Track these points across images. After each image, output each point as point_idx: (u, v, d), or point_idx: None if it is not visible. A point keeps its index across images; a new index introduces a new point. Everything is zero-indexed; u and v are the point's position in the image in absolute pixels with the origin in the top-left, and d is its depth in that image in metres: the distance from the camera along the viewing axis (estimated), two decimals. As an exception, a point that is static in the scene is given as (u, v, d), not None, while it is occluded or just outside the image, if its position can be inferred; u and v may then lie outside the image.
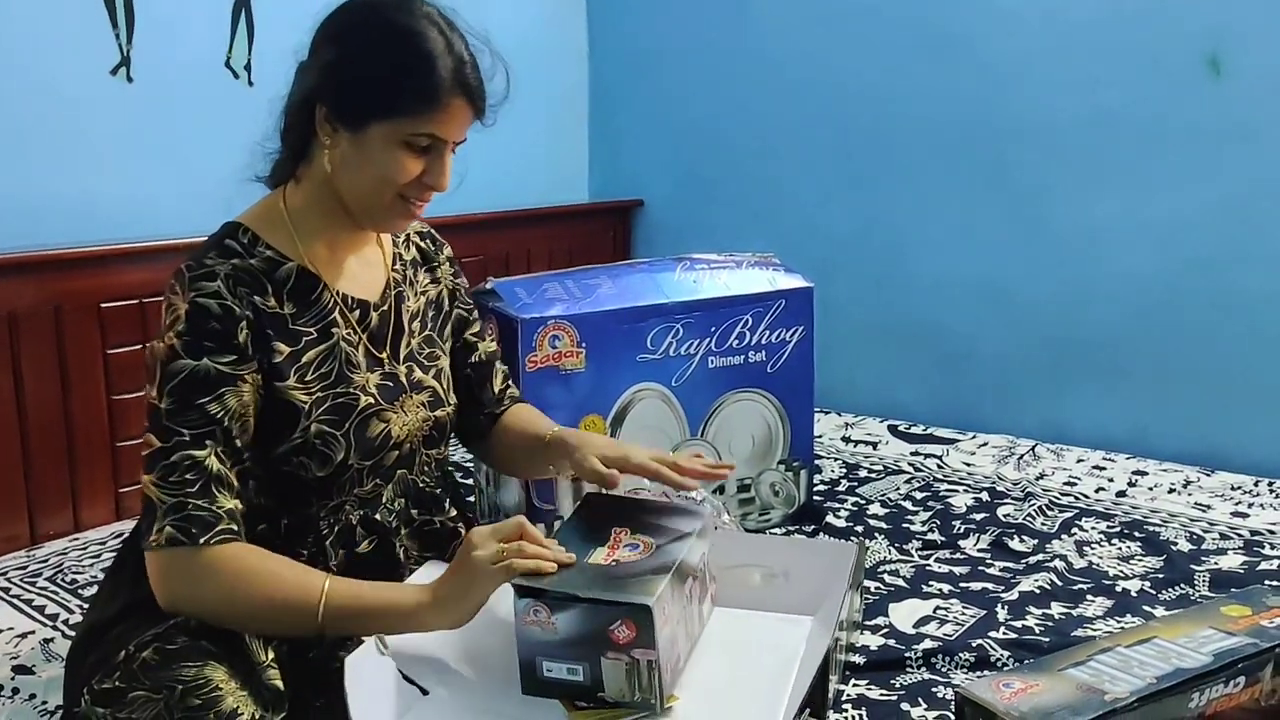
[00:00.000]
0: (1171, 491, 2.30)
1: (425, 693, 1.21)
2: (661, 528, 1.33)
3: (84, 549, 2.05)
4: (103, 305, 2.17)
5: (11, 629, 1.72)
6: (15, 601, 1.82)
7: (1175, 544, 2.02)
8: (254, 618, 1.22)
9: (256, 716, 1.15)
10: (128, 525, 2.13)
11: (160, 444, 1.21)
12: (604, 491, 1.45)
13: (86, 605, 1.76)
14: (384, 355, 1.39)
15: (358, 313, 1.36)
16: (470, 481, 2.13)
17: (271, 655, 1.23)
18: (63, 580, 1.91)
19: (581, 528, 1.34)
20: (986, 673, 1.53)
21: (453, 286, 1.56)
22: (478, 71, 1.29)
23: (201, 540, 1.19)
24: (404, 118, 1.25)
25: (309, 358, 1.30)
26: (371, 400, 1.34)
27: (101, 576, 1.87)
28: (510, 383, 1.65)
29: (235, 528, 1.22)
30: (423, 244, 1.54)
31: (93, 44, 2.22)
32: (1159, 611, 1.74)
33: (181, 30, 2.34)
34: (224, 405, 1.22)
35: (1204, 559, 1.95)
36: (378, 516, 1.39)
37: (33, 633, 1.71)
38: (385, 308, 1.40)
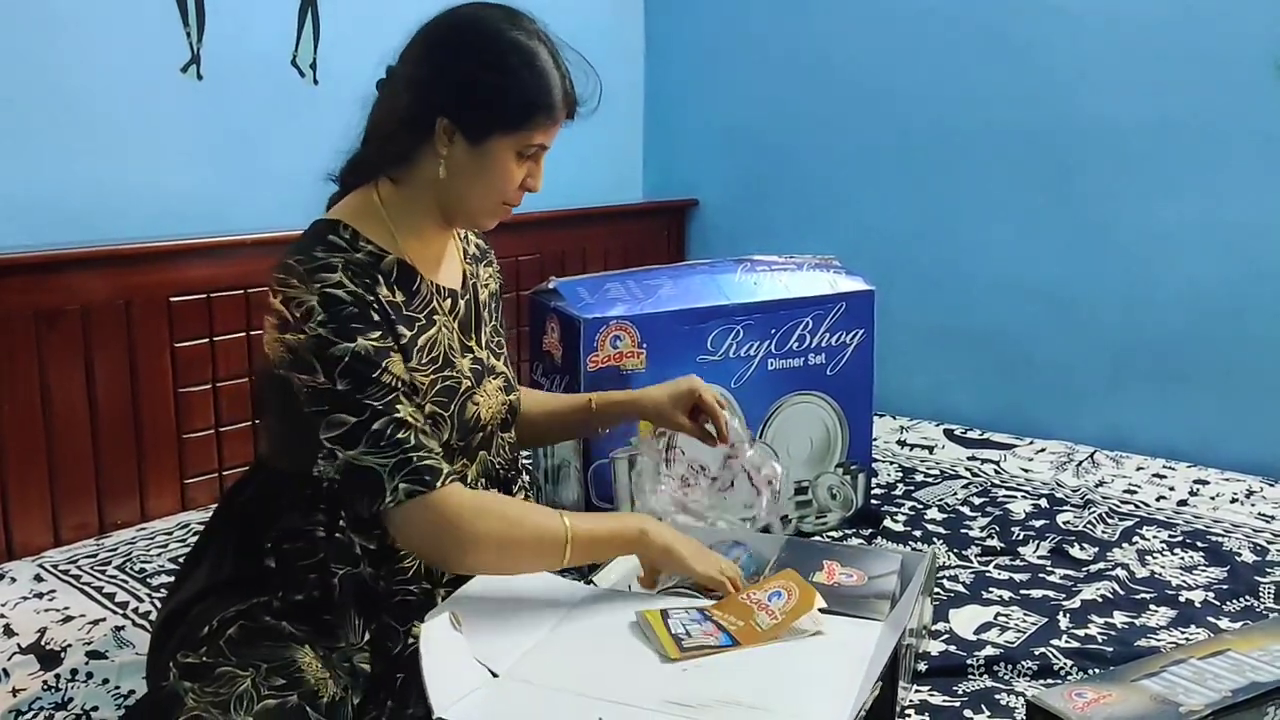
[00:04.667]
0: (1234, 501, 2.27)
1: (495, 675, 1.24)
2: (868, 565, 1.57)
3: (151, 539, 2.09)
4: (171, 299, 2.20)
5: (84, 615, 1.76)
6: (86, 589, 1.86)
7: (1239, 555, 1.99)
8: (499, 562, 1.33)
9: (337, 697, 1.19)
10: (194, 516, 2.19)
11: (357, 418, 1.26)
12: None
13: (156, 595, 1.81)
14: (471, 341, 1.45)
15: (449, 301, 1.42)
16: (527, 479, 2.15)
17: (366, 636, 1.27)
18: (131, 569, 1.95)
19: (790, 560, 1.56)
20: (1050, 681, 1.52)
21: (500, 284, 1.63)
22: (574, 84, 1.38)
23: (438, 484, 1.26)
24: (524, 132, 1.33)
25: (422, 342, 1.35)
26: (469, 383, 1.40)
27: (170, 566, 1.93)
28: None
29: (455, 475, 1.31)
30: (478, 241, 1.60)
31: (164, 42, 2.25)
32: (1223, 623, 1.72)
33: (250, 29, 2.37)
34: (394, 374, 1.28)
35: (1269, 570, 1.92)
36: None
37: (104, 619, 1.74)
38: (468, 297, 1.47)
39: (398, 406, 1.27)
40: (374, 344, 1.27)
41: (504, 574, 1.36)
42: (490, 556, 1.32)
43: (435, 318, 1.38)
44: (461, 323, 1.44)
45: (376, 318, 1.29)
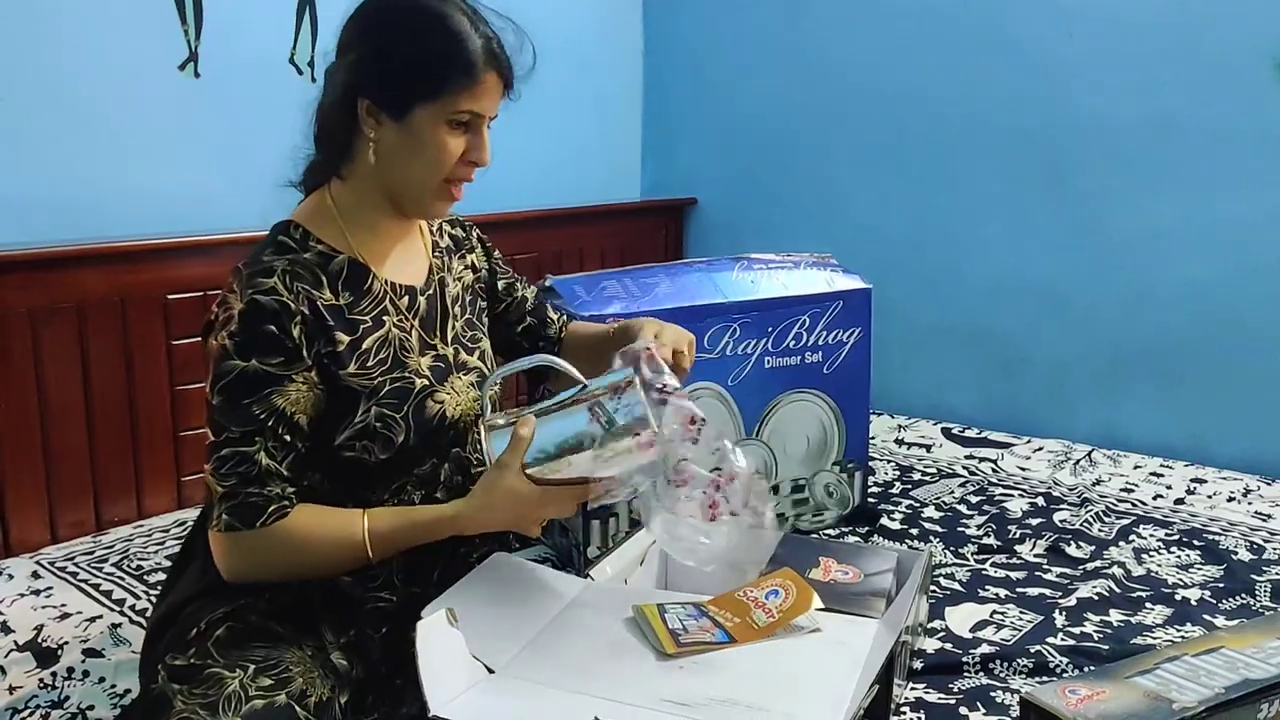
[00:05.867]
0: (1231, 500, 2.27)
1: (491, 671, 1.24)
2: (864, 562, 1.60)
3: (148, 536, 2.09)
4: (168, 297, 2.21)
5: (80, 613, 1.76)
6: (83, 586, 1.86)
7: (1235, 553, 2.00)
8: (314, 573, 1.31)
9: (324, 698, 1.19)
10: (190, 513, 2.18)
11: (214, 438, 1.27)
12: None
13: (153, 592, 1.81)
14: (434, 339, 1.42)
15: (406, 299, 1.40)
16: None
17: (344, 639, 1.27)
18: (128, 566, 1.95)
19: (787, 558, 1.55)
20: (1045, 679, 1.52)
21: (489, 262, 1.60)
22: (503, 47, 1.34)
23: (256, 524, 1.25)
24: (445, 96, 1.29)
25: (368, 345, 1.33)
26: (426, 381, 1.37)
27: (166, 563, 1.92)
28: (560, 311, 1.72)
29: (287, 506, 1.27)
30: (454, 231, 1.57)
31: (162, 40, 2.26)
32: (1219, 621, 1.73)
33: (247, 27, 2.38)
34: (269, 406, 1.26)
35: (1265, 569, 1.93)
36: (439, 495, 1.42)
37: (100, 617, 1.74)
38: (431, 292, 1.44)
39: (255, 438, 1.25)
40: (267, 368, 1.25)
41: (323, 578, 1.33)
42: (292, 575, 1.30)
43: (385, 318, 1.36)
44: (423, 320, 1.41)
45: (295, 334, 1.26)
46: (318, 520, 1.29)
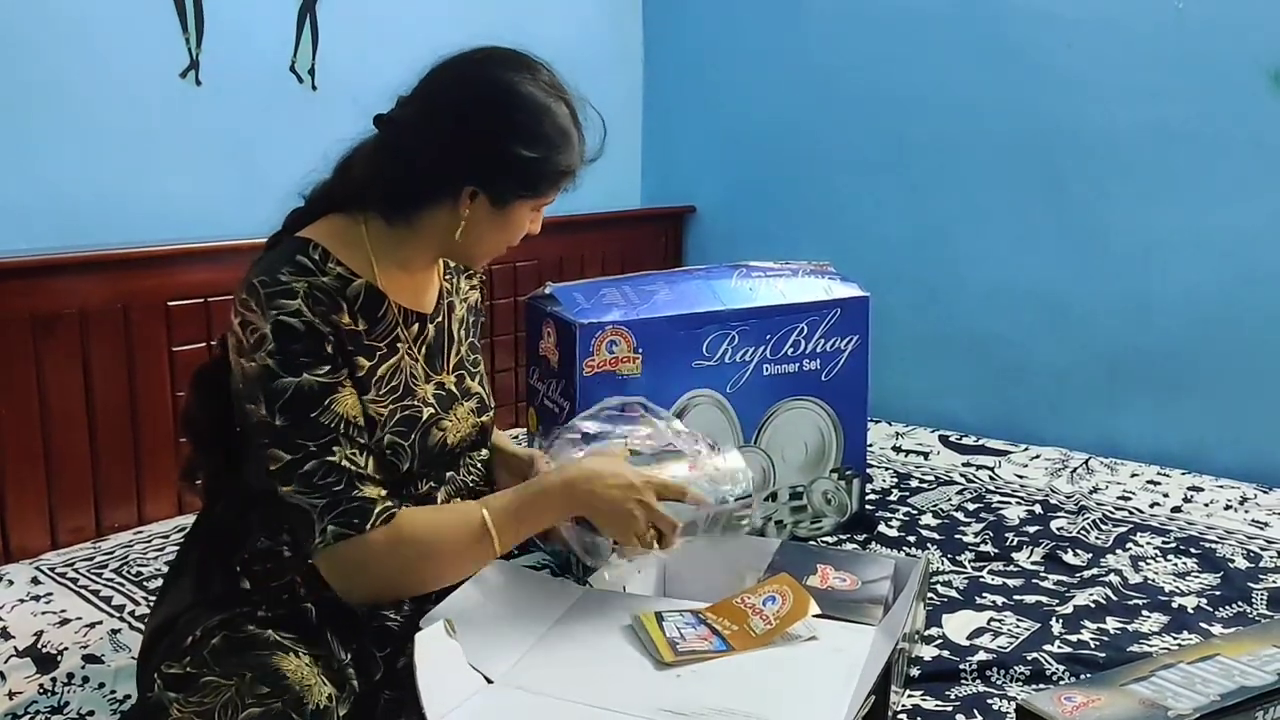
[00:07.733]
0: (1228, 508, 2.28)
1: (489, 681, 1.25)
2: (861, 569, 1.61)
3: (148, 542, 2.09)
4: (170, 304, 2.21)
5: (80, 619, 1.76)
6: (83, 592, 1.87)
7: (1232, 561, 2.00)
8: (437, 578, 1.32)
9: (321, 705, 1.19)
10: (190, 520, 2.18)
11: (290, 456, 1.25)
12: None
13: (152, 600, 1.81)
14: (438, 367, 1.43)
15: (415, 327, 1.40)
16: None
17: (349, 656, 1.27)
18: (128, 572, 1.95)
19: (784, 564, 1.59)
20: (1042, 686, 1.53)
21: (478, 298, 1.60)
22: (586, 136, 1.39)
23: (367, 527, 1.25)
24: (547, 194, 1.37)
25: (381, 372, 1.33)
26: (432, 410, 1.38)
27: (166, 570, 1.93)
28: None
29: (391, 505, 1.28)
30: None
31: (163, 48, 2.26)
32: (1216, 629, 1.73)
33: (249, 35, 2.39)
34: (334, 413, 1.26)
35: (1262, 577, 1.93)
36: None
37: (100, 623, 1.75)
38: (439, 319, 1.44)
39: (333, 448, 1.25)
40: (320, 379, 1.25)
41: (445, 585, 1.34)
42: (416, 581, 1.31)
43: (398, 345, 1.36)
44: (429, 349, 1.41)
45: (329, 349, 1.26)
46: (431, 515, 1.31)
